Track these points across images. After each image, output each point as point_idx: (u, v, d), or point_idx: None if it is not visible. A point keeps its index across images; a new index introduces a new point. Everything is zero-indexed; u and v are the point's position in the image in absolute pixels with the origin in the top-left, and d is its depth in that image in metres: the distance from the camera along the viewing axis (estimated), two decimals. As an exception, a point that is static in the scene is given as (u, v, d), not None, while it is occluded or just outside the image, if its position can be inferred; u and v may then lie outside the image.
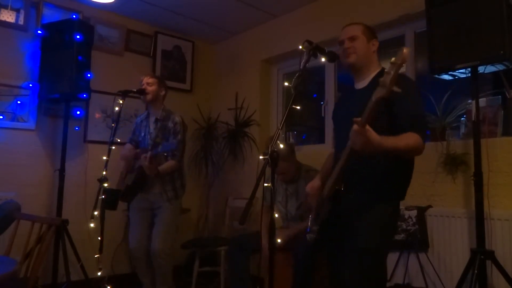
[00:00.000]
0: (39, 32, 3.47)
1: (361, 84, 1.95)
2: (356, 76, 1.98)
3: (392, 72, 1.39)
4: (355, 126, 1.48)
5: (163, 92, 3.15)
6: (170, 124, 3.05)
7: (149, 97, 3.06)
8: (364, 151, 1.52)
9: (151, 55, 4.34)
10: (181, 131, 3.03)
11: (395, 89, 1.42)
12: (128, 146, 3.21)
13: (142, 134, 3.14)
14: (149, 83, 3.06)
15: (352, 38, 1.92)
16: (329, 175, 1.86)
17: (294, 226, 2.86)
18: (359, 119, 1.48)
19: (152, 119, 3.12)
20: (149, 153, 2.75)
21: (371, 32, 1.97)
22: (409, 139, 1.63)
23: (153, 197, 3.04)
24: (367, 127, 1.48)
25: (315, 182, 2.02)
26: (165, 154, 2.88)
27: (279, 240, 2.47)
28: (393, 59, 1.41)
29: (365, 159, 1.69)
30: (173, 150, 2.84)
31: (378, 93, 1.43)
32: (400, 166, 1.82)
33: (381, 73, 1.88)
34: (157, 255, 2.94)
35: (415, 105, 1.74)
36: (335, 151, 2.05)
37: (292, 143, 3.22)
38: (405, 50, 1.39)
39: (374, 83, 1.86)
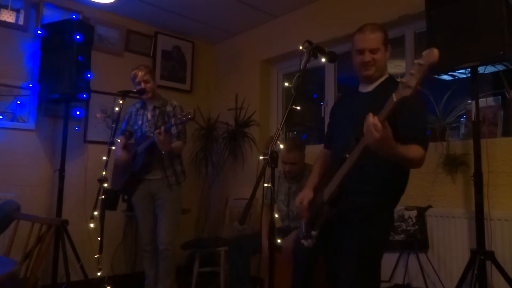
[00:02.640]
0: (39, 32, 3.47)
1: (366, 88, 1.94)
2: (364, 81, 1.96)
3: (417, 75, 1.36)
4: (373, 119, 1.46)
5: (156, 83, 3.21)
6: (169, 108, 3.11)
7: (149, 95, 3.09)
8: (377, 149, 1.51)
9: (151, 55, 4.35)
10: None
11: (421, 89, 1.42)
12: (122, 138, 3.19)
13: (139, 122, 3.15)
14: (145, 80, 3.07)
15: (374, 51, 1.86)
16: (329, 178, 1.85)
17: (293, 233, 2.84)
18: (376, 117, 1.47)
19: (149, 107, 3.15)
20: (162, 128, 2.79)
21: (387, 37, 1.92)
22: (416, 151, 1.65)
23: (154, 185, 3.04)
24: (386, 124, 1.47)
25: (307, 194, 1.97)
26: (172, 128, 2.93)
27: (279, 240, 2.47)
28: (419, 60, 1.37)
29: (367, 163, 1.69)
30: (179, 131, 2.97)
31: (402, 93, 1.41)
32: (399, 172, 1.83)
33: (388, 80, 1.90)
34: (164, 249, 2.99)
35: (421, 118, 1.75)
36: (333, 151, 2.04)
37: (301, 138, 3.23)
38: (435, 51, 1.34)
39: (381, 89, 1.87)
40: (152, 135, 2.93)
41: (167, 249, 2.99)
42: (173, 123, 2.79)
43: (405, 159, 1.64)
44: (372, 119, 1.47)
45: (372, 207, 1.79)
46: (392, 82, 1.91)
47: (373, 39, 1.86)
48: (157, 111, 3.10)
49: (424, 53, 1.37)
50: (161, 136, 2.77)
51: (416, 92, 1.39)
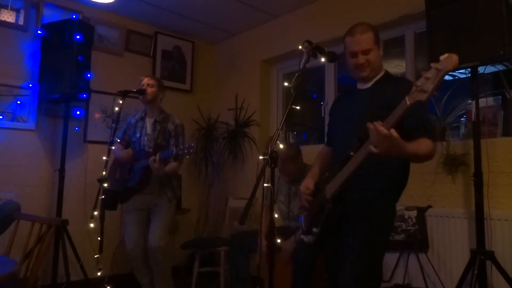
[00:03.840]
0: (39, 32, 3.47)
1: (364, 85, 1.94)
2: (361, 80, 1.96)
3: (434, 79, 1.33)
4: (381, 128, 1.45)
5: (161, 95, 3.18)
6: (171, 126, 3.08)
7: (148, 97, 3.07)
8: (387, 154, 1.50)
9: (151, 55, 4.35)
10: (182, 135, 3.10)
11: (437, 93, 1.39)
12: (119, 147, 3.17)
13: (137, 135, 3.12)
14: (150, 84, 3.07)
15: (366, 52, 1.85)
16: (331, 175, 1.85)
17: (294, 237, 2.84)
18: (380, 123, 1.45)
19: (150, 120, 3.12)
20: (158, 156, 2.78)
21: (378, 35, 1.91)
22: (426, 145, 1.65)
23: (151, 198, 3.05)
24: (392, 130, 1.45)
25: (309, 183, 1.97)
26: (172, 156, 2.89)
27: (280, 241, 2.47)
28: (436, 64, 1.33)
29: (370, 160, 1.68)
30: (177, 152, 2.86)
31: (416, 97, 1.39)
32: (402, 168, 1.83)
33: (385, 76, 1.90)
34: (155, 251, 2.95)
35: (424, 111, 1.74)
36: (335, 150, 2.04)
37: (298, 145, 3.21)
38: (454, 57, 1.31)
39: (377, 85, 1.88)
40: (151, 150, 2.96)
41: (158, 252, 2.95)
42: (173, 153, 2.76)
43: (416, 156, 1.64)
44: (380, 130, 1.44)
45: (374, 204, 1.78)
46: (389, 78, 1.92)
47: (364, 40, 1.84)
48: (158, 126, 3.08)
49: (442, 57, 1.34)
50: (155, 164, 2.78)
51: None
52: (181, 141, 3.05)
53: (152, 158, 2.80)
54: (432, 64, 1.35)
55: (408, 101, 1.41)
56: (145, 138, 3.08)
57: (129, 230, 3.09)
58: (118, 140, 3.16)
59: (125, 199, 3.07)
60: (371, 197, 1.78)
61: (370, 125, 1.48)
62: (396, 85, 1.80)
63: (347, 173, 1.70)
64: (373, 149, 1.49)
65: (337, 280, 1.81)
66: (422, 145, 1.64)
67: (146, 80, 3.09)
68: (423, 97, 1.37)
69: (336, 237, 1.87)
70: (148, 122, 3.12)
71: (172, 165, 2.98)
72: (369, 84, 1.92)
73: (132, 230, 3.07)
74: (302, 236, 1.96)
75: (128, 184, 3.03)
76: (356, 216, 1.79)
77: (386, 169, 1.78)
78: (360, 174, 1.71)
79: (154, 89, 3.08)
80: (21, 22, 3.50)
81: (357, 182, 1.76)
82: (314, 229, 1.87)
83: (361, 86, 1.96)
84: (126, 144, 3.20)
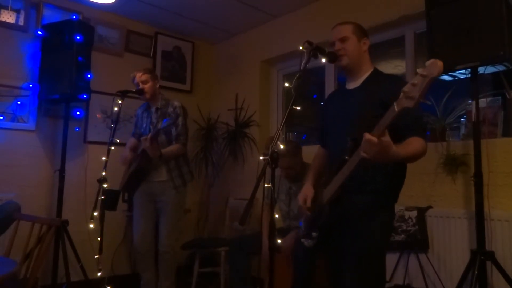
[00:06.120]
0: (39, 32, 3.47)
1: (353, 84, 1.94)
2: (349, 76, 1.98)
3: (421, 85, 1.31)
4: (370, 137, 1.44)
5: (158, 84, 3.18)
6: (170, 109, 3.09)
7: (148, 95, 3.09)
8: (377, 160, 1.50)
9: (151, 55, 4.35)
10: (181, 114, 3.07)
11: (425, 101, 1.37)
12: (132, 140, 3.22)
13: (144, 125, 3.16)
14: (143, 81, 3.07)
15: (343, 40, 1.90)
16: (328, 178, 1.85)
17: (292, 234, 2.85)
18: (375, 134, 1.45)
19: (153, 109, 3.15)
20: (149, 134, 2.77)
21: (361, 30, 1.94)
22: (416, 145, 1.64)
23: (158, 186, 3.03)
24: (385, 137, 1.44)
25: (309, 192, 1.98)
26: (165, 129, 2.88)
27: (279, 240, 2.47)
28: (421, 70, 1.32)
29: (368, 164, 1.68)
30: (178, 133, 2.92)
31: (403, 104, 1.37)
32: (398, 169, 1.83)
33: (374, 74, 1.91)
34: (164, 251, 2.98)
35: (415, 110, 1.74)
36: (330, 152, 2.04)
37: (298, 143, 3.21)
38: (439, 63, 1.30)
39: (367, 83, 1.88)
40: None
41: (166, 252, 2.98)
42: (160, 127, 2.77)
43: (408, 157, 1.64)
44: (369, 138, 1.44)
45: (373, 206, 1.78)
46: (379, 75, 1.92)
47: (341, 28, 1.93)
48: (159, 112, 3.10)
49: (427, 63, 1.32)
50: (146, 142, 2.75)
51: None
52: (181, 121, 3.03)
53: (143, 137, 2.80)
54: (418, 70, 1.33)
55: (396, 107, 1.40)
56: (150, 127, 3.10)
57: (137, 225, 3.09)
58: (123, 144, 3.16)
59: (132, 193, 3.08)
60: (370, 199, 1.78)
61: (365, 135, 1.48)
62: (389, 82, 1.80)
63: (343, 178, 1.70)
64: (364, 155, 1.49)
65: (341, 283, 1.81)
66: (412, 145, 1.64)
67: (138, 78, 3.07)
68: (410, 104, 1.35)
69: (337, 239, 1.87)
70: (152, 111, 3.15)
71: (170, 147, 2.97)
72: (358, 84, 1.92)
73: (139, 225, 3.07)
74: (303, 240, 1.96)
75: (130, 170, 3.01)
76: (355, 218, 1.79)
77: (382, 171, 1.78)
78: (357, 177, 1.71)
79: (149, 83, 3.08)
80: (21, 22, 3.50)
81: (355, 185, 1.76)
82: (313, 233, 1.88)
83: (350, 85, 1.97)
84: (138, 137, 3.22)
